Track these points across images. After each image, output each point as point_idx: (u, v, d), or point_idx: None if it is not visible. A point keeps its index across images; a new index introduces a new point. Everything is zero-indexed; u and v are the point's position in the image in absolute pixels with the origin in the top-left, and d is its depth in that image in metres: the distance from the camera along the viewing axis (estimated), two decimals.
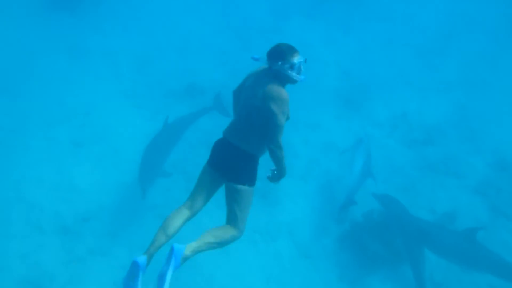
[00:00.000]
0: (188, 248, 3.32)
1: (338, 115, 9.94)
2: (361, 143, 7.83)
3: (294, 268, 6.73)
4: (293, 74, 3.53)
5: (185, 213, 3.62)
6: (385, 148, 9.06)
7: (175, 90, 10.27)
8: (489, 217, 7.87)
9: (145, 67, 10.92)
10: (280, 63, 3.50)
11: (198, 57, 11.39)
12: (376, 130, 9.35)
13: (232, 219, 3.61)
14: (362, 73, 11.16)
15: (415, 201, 7.93)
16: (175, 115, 9.40)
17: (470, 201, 8.16)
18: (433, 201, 7.92)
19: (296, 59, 3.52)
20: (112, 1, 12.91)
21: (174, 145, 7.78)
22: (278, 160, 3.59)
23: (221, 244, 3.54)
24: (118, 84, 10.45)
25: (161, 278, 3.23)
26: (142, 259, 3.33)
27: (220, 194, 3.88)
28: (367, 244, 6.80)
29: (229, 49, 11.52)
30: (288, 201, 7.72)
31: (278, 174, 3.73)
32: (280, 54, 3.51)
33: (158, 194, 7.75)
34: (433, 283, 6.78)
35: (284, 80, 3.57)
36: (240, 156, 3.59)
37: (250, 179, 3.65)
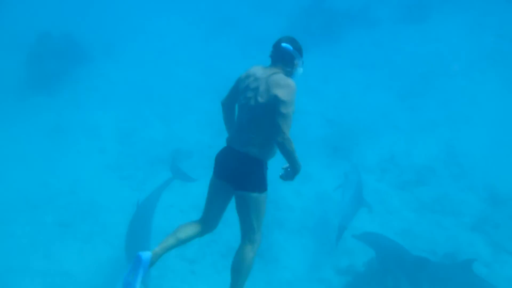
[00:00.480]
0: None
1: (328, 164, 10.28)
2: (351, 173, 8.08)
3: None
4: (299, 61, 3.67)
5: (198, 225, 3.71)
6: (378, 192, 9.31)
7: (161, 157, 10.57)
8: (491, 253, 8.00)
9: (128, 138, 11.29)
10: (291, 47, 3.62)
11: (182, 121, 11.85)
12: (366, 175, 9.64)
13: (247, 230, 3.60)
14: (346, 120, 11.70)
15: (415, 243, 8.05)
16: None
17: (470, 239, 8.31)
18: (432, 242, 8.05)
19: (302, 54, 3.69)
20: (89, 77, 13.56)
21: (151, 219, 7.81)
22: (289, 154, 3.47)
23: (247, 273, 3.60)
24: (101, 158, 10.72)
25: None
26: (146, 255, 3.33)
27: None
28: None
29: (212, 109, 12.01)
30: (285, 257, 7.80)
31: (292, 171, 3.59)
32: (293, 40, 3.70)
33: (153, 269, 7.74)
34: None
35: (288, 64, 3.65)
36: (246, 162, 3.54)
37: (260, 185, 3.56)
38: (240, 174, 3.55)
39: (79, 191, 9.58)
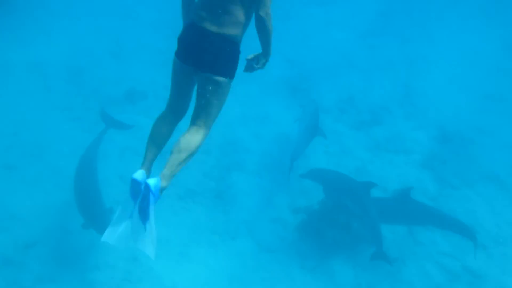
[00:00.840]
0: (163, 180, 3.23)
1: (286, 105, 10.36)
2: (308, 105, 8.47)
3: (256, 264, 7.02)
4: None
5: (169, 118, 3.49)
6: (335, 133, 9.57)
7: (114, 97, 10.23)
8: (437, 188, 8.59)
9: (78, 77, 10.75)
10: None
11: (134, 60, 11.38)
12: (324, 115, 9.83)
13: (207, 116, 3.35)
14: (306, 60, 11.66)
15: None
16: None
17: (419, 175, 8.84)
18: (384, 180, 8.49)
19: None
20: (26, 7, 12.50)
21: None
22: (268, 34, 3.27)
23: (194, 153, 3.36)
24: (48, 98, 10.22)
25: (143, 213, 3.16)
26: (140, 174, 3.26)
27: None
28: (325, 230, 7.23)
29: (167, 47, 11.56)
30: (244, 198, 8.01)
31: (265, 56, 3.42)
32: None
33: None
34: (391, 259, 7.34)
35: None
36: (223, 45, 3.25)
37: (232, 70, 3.33)
38: (213, 57, 3.27)
39: (23, 132, 9.17)
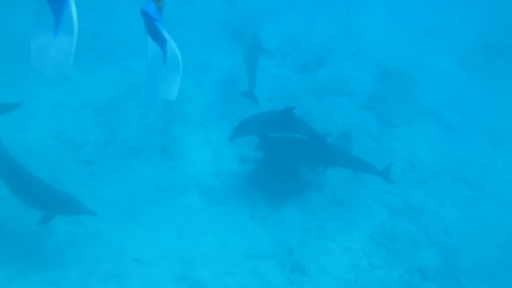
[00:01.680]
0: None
1: (227, 51, 9.84)
2: (250, 39, 8.37)
3: (206, 218, 6.92)
4: None
5: None
6: (279, 78, 9.31)
7: None
8: (379, 128, 8.73)
9: None
10: None
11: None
12: (268, 60, 9.48)
13: None
14: (246, 1, 11.00)
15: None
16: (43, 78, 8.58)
17: (362, 116, 8.92)
18: (329, 124, 8.49)
19: None
20: None
21: None
22: None
23: None
24: None
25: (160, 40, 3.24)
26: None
27: None
28: (273, 179, 7.18)
29: None
30: (190, 151, 7.72)
31: None
32: None
33: (44, 171, 7.19)
34: (337, 202, 7.52)
35: None
36: None
37: None
38: None
39: None
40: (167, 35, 3.33)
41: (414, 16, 11.82)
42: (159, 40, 3.35)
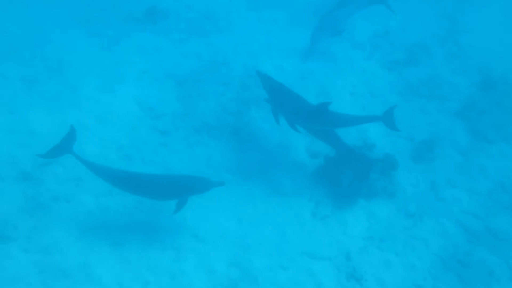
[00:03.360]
0: None
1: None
2: None
3: (267, 206, 6.78)
4: None
5: None
6: (364, 72, 8.72)
7: (134, 14, 9.48)
8: (469, 141, 7.85)
9: None
10: None
11: None
12: (355, 51, 8.89)
13: None
14: None
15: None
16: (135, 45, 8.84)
17: (451, 125, 8.07)
18: (412, 128, 7.82)
19: None
20: None
21: None
22: None
23: None
24: (69, 8, 9.59)
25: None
26: None
27: None
28: (342, 179, 6.79)
29: None
30: (260, 136, 7.56)
31: None
32: None
33: (123, 135, 7.51)
34: (408, 214, 6.94)
35: None
36: None
37: None
38: None
39: (44, 44, 8.81)
40: None
41: None
42: None
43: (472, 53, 9.49)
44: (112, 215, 6.55)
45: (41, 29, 9.06)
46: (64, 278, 5.81)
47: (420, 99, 8.39)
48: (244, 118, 7.73)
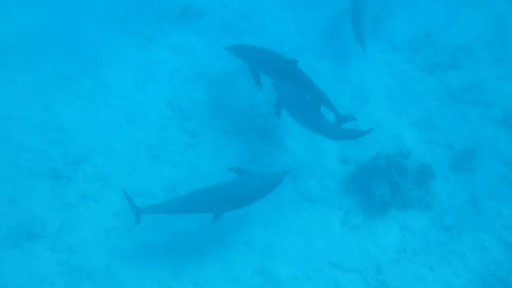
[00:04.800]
0: None
1: (352, 37, 8.93)
2: None
3: (295, 213, 6.58)
4: None
5: None
6: (403, 76, 8.31)
7: (169, 13, 9.43)
8: None
9: None
10: None
11: None
12: (394, 54, 8.48)
13: None
14: None
15: (432, 136, 7.41)
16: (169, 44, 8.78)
17: (494, 134, 7.55)
18: (451, 136, 7.38)
19: None
20: None
21: None
22: None
23: None
24: (107, 5, 9.65)
25: None
26: None
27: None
28: (374, 188, 6.46)
29: None
30: (290, 140, 7.35)
31: None
32: None
33: (153, 134, 7.47)
34: (444, 227, 6.53)
35: None
36: None
37: None
38: None
39: (81, 41, 8.90)
40: None
41: None
42: None
43: None
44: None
45: (78, 26, 9.16)
46: (88, 280, 5.82)
47: (462, 105, 7.90)
48: (274, 120, 7.51)
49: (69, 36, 8.95)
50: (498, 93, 8.15)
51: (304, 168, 7.04)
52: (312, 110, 6.02)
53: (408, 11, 9.30)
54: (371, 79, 8.22)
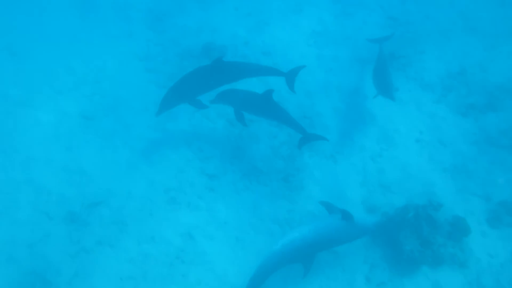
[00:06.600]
0: None
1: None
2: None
3: (317, 266, 6.37)
4: None
5: None
6: (433, 117, 8.11)
7: (191, 50, 9.65)
8: None
9: (159, 23, 10.34)
10: None
11: (218, 7, 10.54)
12: (424, 93, 8.31)
13: None
14: (412, 17, 9.84)
15: (466, 185, 7.11)
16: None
17: None
18: (488, 185, 7.06)
19: None
20: None
21: None
22: None
23: None
24: (130, 44, 9.99)
25: None
26: None
27: None
28: (403, 242, 6.21)
29: None
30: (312, 185, 7.24)
31: None
32: None
33: (171, 176, 7.52)
34: None
35: None
36: None
37: None
38: None
39: (104, 80, 9.17)
40: None
41: None
42: None
43: None
44: (152, 263, 6.49)
45: (102, 65, 9.48)
46: None
47: (500, 151, 7.60)
48: (296, 163, 7.43)
49: (93, 76, 9.26)
50: None
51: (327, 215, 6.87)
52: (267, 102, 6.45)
53: (439, 47, 9.17)
54: (399, 120, 8.08)
